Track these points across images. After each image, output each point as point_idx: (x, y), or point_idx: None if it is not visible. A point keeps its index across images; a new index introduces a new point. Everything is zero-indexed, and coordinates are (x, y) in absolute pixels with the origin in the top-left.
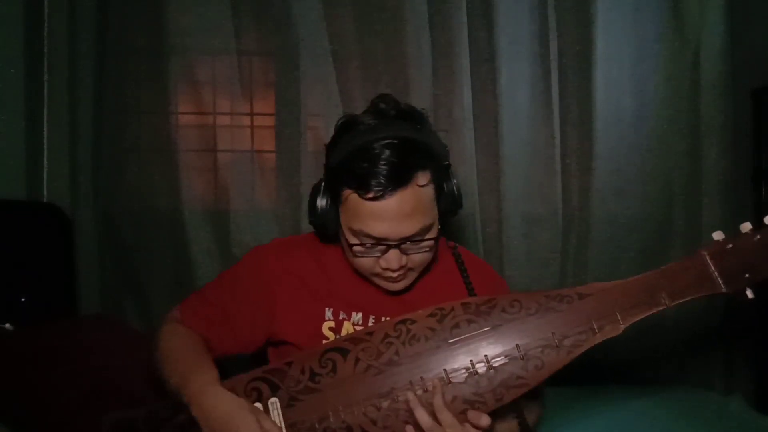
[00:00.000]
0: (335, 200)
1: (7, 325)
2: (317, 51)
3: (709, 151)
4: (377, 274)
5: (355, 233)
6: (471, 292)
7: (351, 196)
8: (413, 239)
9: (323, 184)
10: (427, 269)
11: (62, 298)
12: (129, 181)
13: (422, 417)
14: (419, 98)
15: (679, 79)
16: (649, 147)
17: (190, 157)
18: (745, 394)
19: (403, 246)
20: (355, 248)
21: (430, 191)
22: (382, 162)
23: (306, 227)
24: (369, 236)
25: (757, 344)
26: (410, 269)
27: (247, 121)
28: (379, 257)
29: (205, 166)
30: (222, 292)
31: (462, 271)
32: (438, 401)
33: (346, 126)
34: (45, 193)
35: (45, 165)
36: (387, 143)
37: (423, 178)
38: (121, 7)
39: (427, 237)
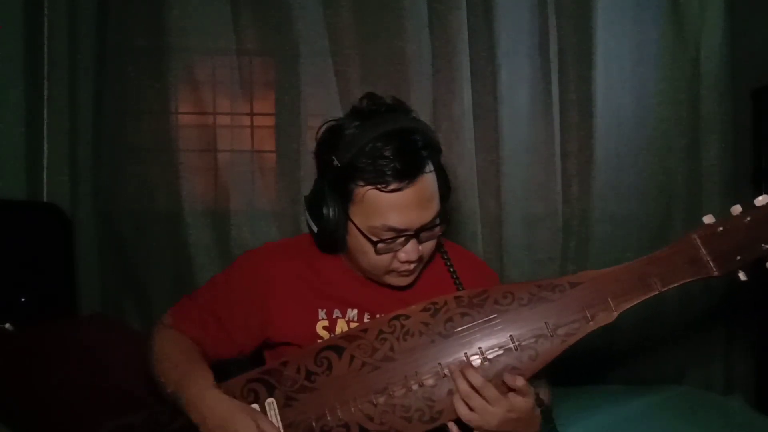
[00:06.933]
0: (344, 202)
1: (7, 325)
2: (317, 51)
3: (709, 150)
4: (392, 271)
5: (375, 230)
6: (459, 286)
7: (369, 193)
8: (429, 226)
9: (326, 188)
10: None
11: (62, 298)
12: (129, 181)
13: (464, 388)
14: (419, 98)
15: (679, 79)
16: (649, 147)
17: (190, 157)
18: (745, 394)
19: (420, 235)
20: (380, 246)
21: (434, 177)
22: (397, 153)
23: (306, 227)
24: (392, 229)
25: (757, 344)
26: (421, 260)
27: (247, 121)
28: (397, 252)
29: (205, 166)
30: (214, 296)
31: (446, 262)
32: (476, 378)
33: (339, 128)
34: (45, 193)
35: (45, 165)
36: (397, 134)
37: (430, 164)
38: (121, 7)
39: (438, 222)
